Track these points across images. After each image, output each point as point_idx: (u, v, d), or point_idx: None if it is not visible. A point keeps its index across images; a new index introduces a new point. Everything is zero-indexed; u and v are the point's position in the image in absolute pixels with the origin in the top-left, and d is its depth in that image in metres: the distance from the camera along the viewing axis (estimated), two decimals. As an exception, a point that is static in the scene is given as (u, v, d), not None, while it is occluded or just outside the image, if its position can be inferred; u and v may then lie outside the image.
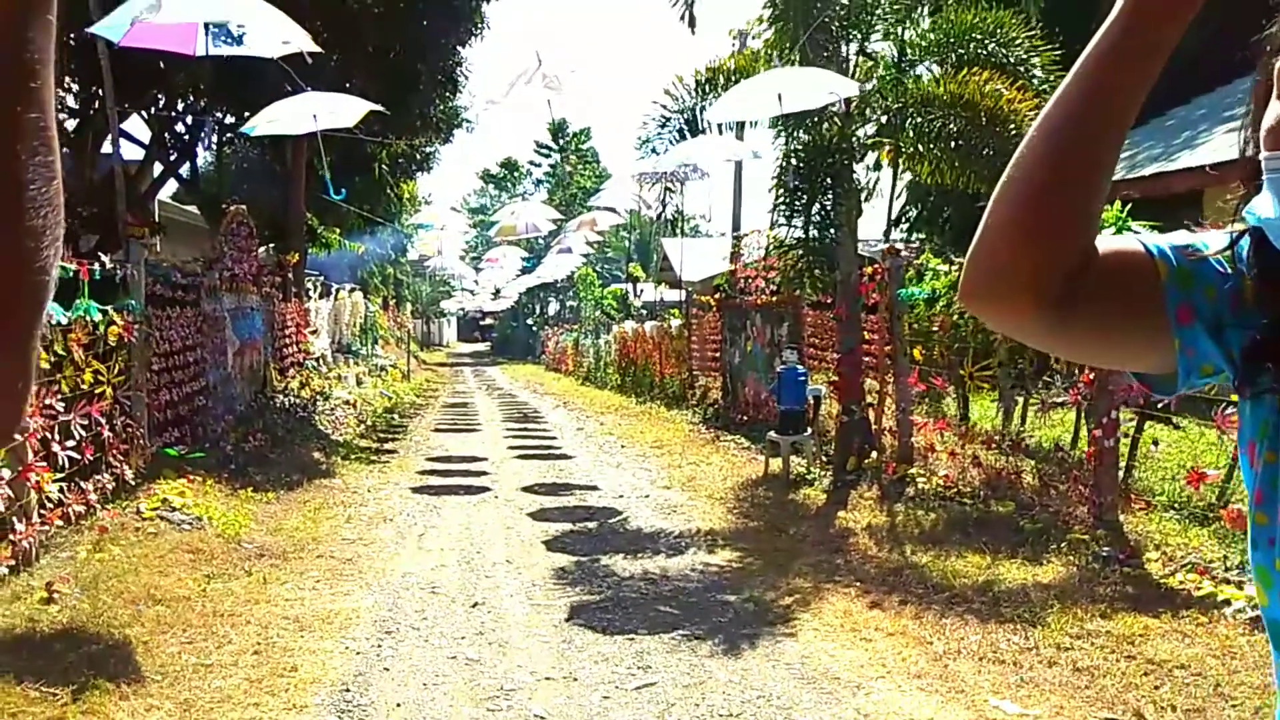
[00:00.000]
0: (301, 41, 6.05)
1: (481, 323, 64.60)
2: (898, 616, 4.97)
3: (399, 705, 3.98)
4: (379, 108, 7.60)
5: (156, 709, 3.87)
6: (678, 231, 22.40)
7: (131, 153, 15.30)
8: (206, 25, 5.69)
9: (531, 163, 57.60)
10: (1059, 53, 9.22)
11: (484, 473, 10.27)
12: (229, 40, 5.90)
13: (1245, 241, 0.88)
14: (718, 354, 14.98)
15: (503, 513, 8.10)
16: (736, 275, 13.86)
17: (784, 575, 5.86)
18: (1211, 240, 0.91)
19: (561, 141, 55.52)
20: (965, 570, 5.70)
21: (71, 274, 6.50)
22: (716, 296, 14.96)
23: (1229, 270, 0.89)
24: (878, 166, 10.97)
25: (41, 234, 0.47)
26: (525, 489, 9.24)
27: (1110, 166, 0.86)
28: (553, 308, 49.38)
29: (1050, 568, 5.65)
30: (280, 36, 5.93)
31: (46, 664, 4.17)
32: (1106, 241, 0.90)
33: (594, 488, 9.33)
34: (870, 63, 8.93)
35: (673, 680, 4.23)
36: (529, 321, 50.13)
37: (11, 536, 5.30)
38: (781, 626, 4.92)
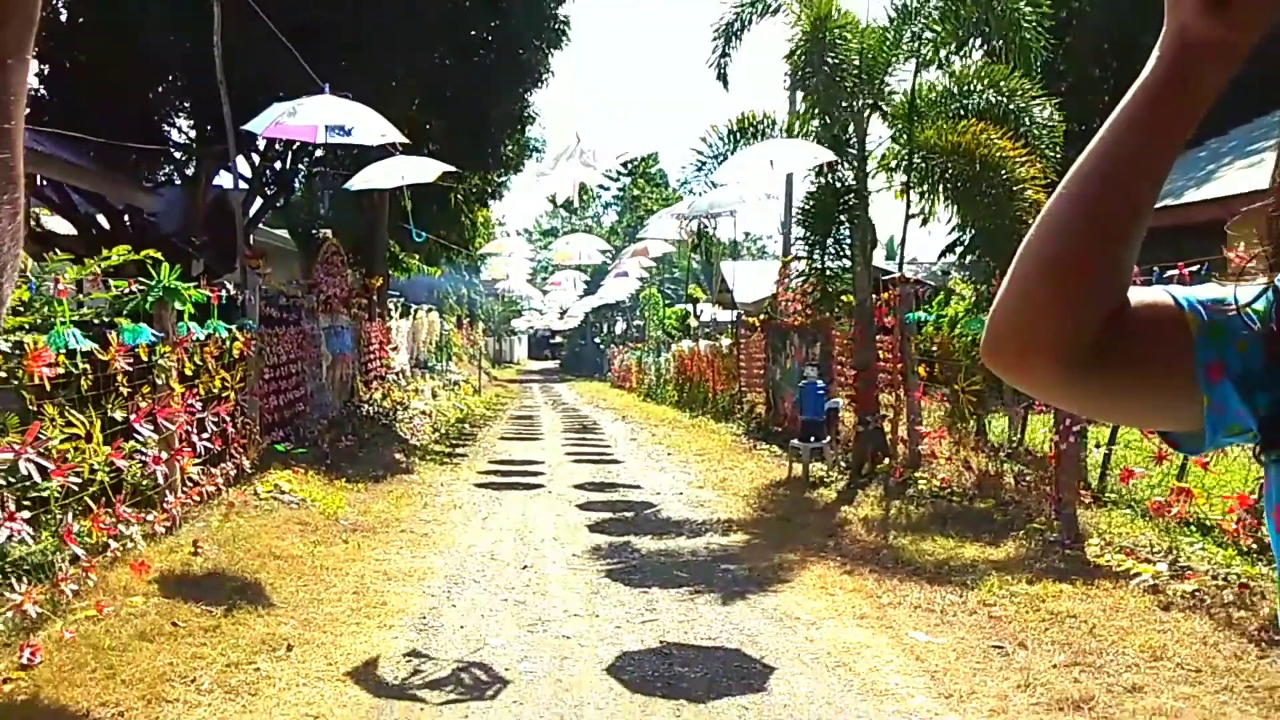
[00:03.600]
0: (393, 135, 7.62)
1: (551, 341, 66.41)
2: (861, 579, 6.12)
3: (462, 627, 5.28)
4: (453, 169, 9.05)
5: (284, 623, 5.24)
6: (728, 256, 23.64)
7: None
8: (326, 126, 7.27)
9: (601, 186, 59.43)
10: (1058, 100, 10.29)
11: (541, 473, 11.60)
12: (341, 134, 7.45)
13: (1271, 298, 0.85)
14: (763, 371, 16.11)
15: (554, 504, 9.40)
16: (779, 299, 14.99)
17: (780, 552, 7.03)
18: (1242, 295, 0.86)
19: (629, 166, 57.18)
20: (932, 550, 6.80)
21: (205, 299, 8.01)
22: (761, 318, 16.10)
23: (1259, 325, 0.84)
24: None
25: (1, 268, 0.47)
26: (576, 486, 10.54)
27: (1146, 222, 0.82)
28: (619, 327, 50.91)
29: (1004, 549, 6.71)
30: (379, 131, 7.52)
31: (201, 593, 5.57)
32: (1135, 294, 0.86)
33: (637, 486, 10.58)
34: (881, 114, 10.06)
35: (671, 618, 5.46)
36: (596, 340, 51.72)
37: (164, 505, 6.78)
38: (766, 586, 6.10)
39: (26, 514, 4.90)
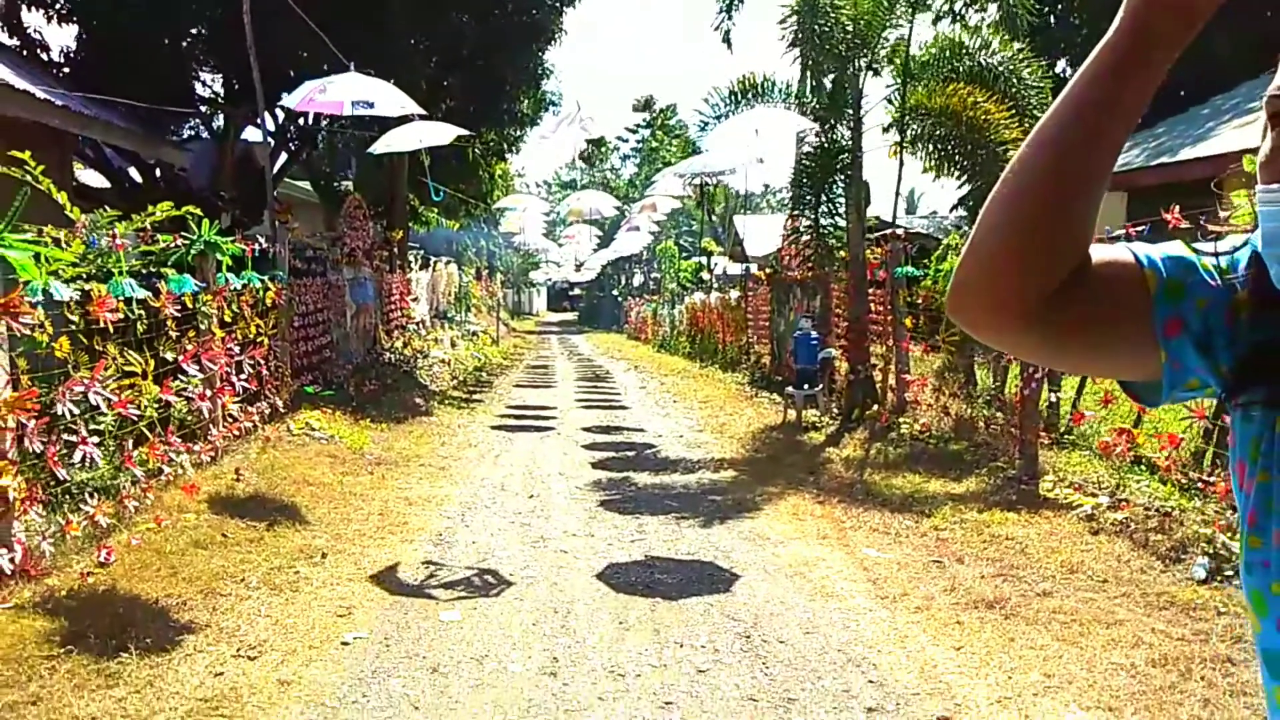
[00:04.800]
0: (411, 107, 8.37)
1: (570, 293, 67.00)
2: (830, 508, 6.81)
3: (474, 543, 6.03)
4: (467, 131, 9.70)
5: (319, 537, 6.00)
6: (743, 209, 24.07)
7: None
8: (352, 101, 7.98)
9: (619, 138, 59.65)
10: (1046, 62, 10.70)
11: (553, 417, 12.33)
12: (365, 107, 8.17)
13: (1245, 256, 0.87)
14: (769, 323, 16.70)
15: (562, 444, 10.14)
16: (783, 253, 15.52)
17: (763, 486, 7.73)
18: (1206, 251, 0.89)
19: (648, 117, 57.27)
20: (901, 485, 7.47)
21: (241, 252, 8.69)
22: (767, 272, 16.65)
23: (1220, 282, 0.87)
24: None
25: None
26: (584, 429, 11.27)
27: (1107, 178, 0.84)
28: (637, 279, 51.43)
29: (966, 484, 7.37)
30: (399, 103, 8.26)
31: (244, 512, 6.34)
32: (1098, 250, 0.88)
33: (641, 430, 11.29)
34: (875, 74, 10.53)
35: (658, 538, 6.18)
36: (614, 292, 52.34)
37: (209, 437, 7.54)
38: (746, 513, 6.81)
39: (96, 439, 5.66)
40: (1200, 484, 6.09)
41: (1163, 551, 5.35)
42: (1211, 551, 5.14)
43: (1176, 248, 0.90)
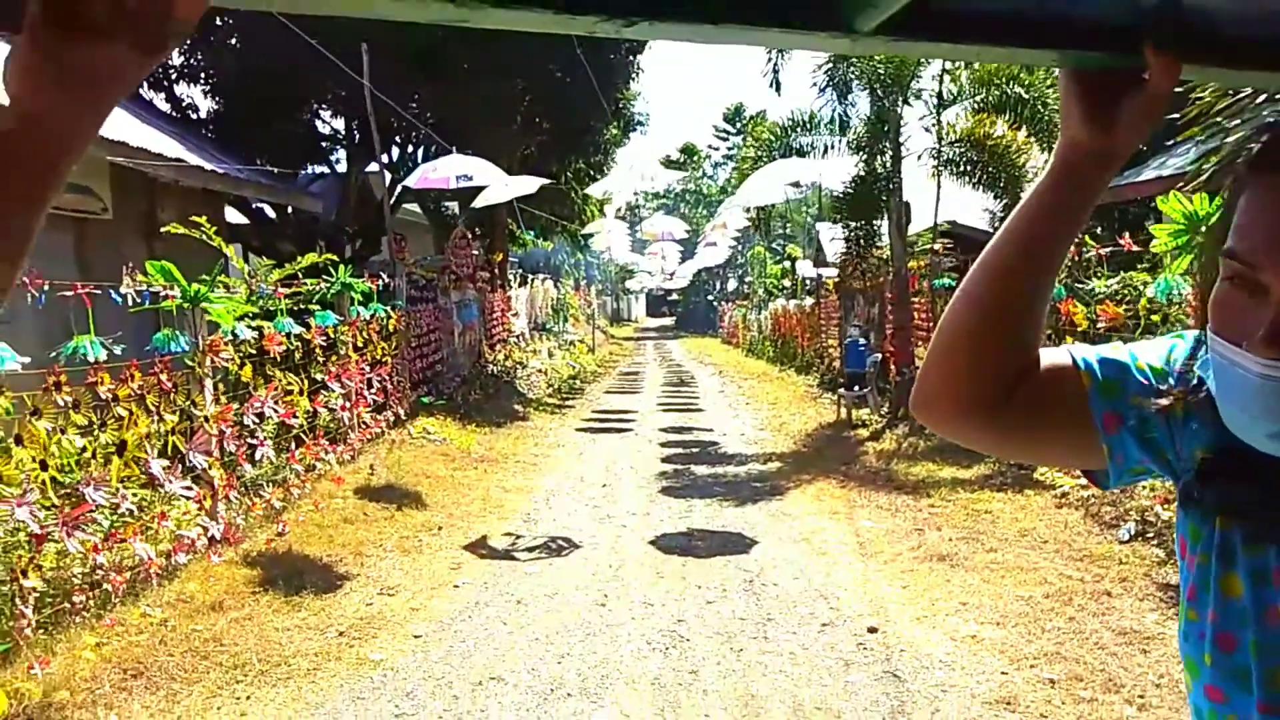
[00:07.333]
0: (503, 175, 10.27)
1: (668, 298, 68.65)
2: (848, 491, 8.17)
3: (554, 520, 7.64)
4: (549, 180, 11.49)
5: (435, 516, 7.71)
6: (830, 217, 25.24)
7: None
8: (456, 176, 9.87)
9: (710, 146, 61.15)
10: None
11: (634, 420, 13.91)
12: (466, 180, 10.08)
13: (1181, 358, 0.94)
14: (839, 328, 17.92)
15: (638, 443, 11.70)
16: (847, 264, 16.73)
17: (799, 474, 9.11)
18: (1141, 353, 0.98)
19: (739, 125, 58.56)
20: (917, 472, 8.75)
21: (369, 289, 10.55)
22: (834, 281, 17.88)
23: (1154, 382, 0.94)
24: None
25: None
26: (660, 429, 12.81)
27: (1046, 299, 0.97)
28: (731, 283, 52.77)
29: (973, 471, 8.59)
30: (492, 174, 10.10)
31: (379, 497, 8.10)
32: (1044, 354, 0.98)
33: (710, 429, 12.76)
34: (911, 109, 11.77)
35: (700, 515, 7.67)
36: (709, 297, 53.80)
37: (349, 440, 9.38)
38: (777, 496, 8.23)
39: (270, 442, 7.50)
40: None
41: (1107, 520, 6.55)
42: (1140, 519, 6.31)
43: (1113, 350, 0.99)
